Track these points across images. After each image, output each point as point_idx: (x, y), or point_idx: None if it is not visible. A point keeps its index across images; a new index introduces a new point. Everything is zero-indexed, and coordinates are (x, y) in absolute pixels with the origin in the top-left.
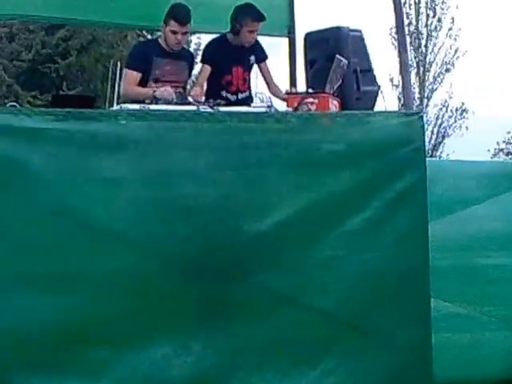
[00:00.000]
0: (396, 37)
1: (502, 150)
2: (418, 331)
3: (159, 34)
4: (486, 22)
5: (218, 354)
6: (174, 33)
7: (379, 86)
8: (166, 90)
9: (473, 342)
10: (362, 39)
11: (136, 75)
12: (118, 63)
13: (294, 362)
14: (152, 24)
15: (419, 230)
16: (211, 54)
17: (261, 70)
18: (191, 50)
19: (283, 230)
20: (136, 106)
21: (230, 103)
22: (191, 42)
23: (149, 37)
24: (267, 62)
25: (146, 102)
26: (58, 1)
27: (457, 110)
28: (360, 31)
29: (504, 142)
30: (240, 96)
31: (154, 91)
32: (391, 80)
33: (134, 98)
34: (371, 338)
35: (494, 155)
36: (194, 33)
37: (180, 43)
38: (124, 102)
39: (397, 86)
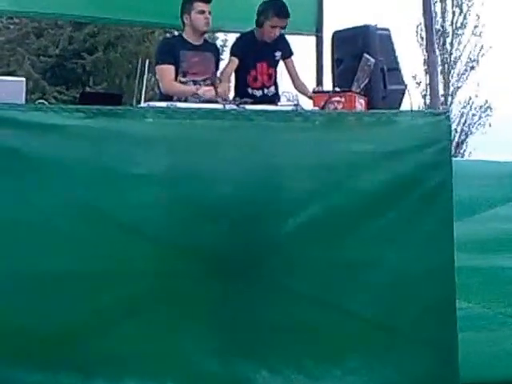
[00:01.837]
0: (422, 35)
1: None
2: (444, 330)
3: None
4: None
5: (241, 352)
6: (202, 12)
7: (406, 85)
8: (210, 90)
9: (494, 341)
10: (390, 38)
11: (171, 68)
12: (147, 61)
13: (317, 360)
14: (178, 22)
15: (445, 230)
16: (239, 47)
17: (286, 66)
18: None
19: (309, 230)
20: (163, 104)
21: (256, 100)
22: (218, 38)
23: (175, 33)
24: (293, 58)
25: (174, 99)
26: None
27: (481, 107)
28: (388, 30)
29: None
30: (265, 91)
31: (197, 89)
32: (414, 77)
33: (178, 95)
34: (397, 337)
35: None
36: (219, 31)
37: (208, 23)
38: (151, 99)
39: (419, 84)
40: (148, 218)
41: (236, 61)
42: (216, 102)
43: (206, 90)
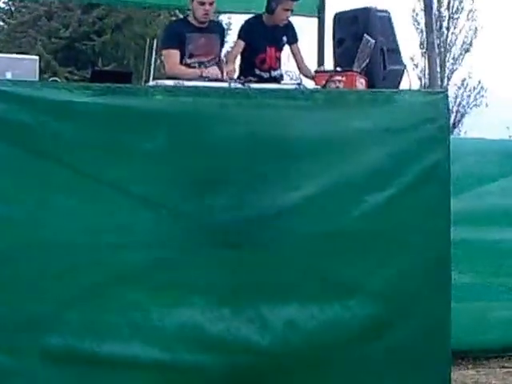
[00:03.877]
0: (417, 19)
1: None
2: (439, 299)
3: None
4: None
5: (248, 322)
6: (202, 4)
7: (405, 66)
8: (214, 70)
9: (487, 311)
10: (390, 20)
11: (176, 53)
12: (154, 41)
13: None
14: (184, 4)
15: (442, 206)
16: (247, 31)
17: (292, 51)
18: None
19: (310, 205)
20: (171, 82)
21: (262, 80)
22: (222, 21)
23: (181, 16)
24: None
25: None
26: None
27: (474, 88)
28: (388, 12)
29: None
30: (273, 74)
31: (202, 71)
32: (412, 59)
33: (180, 77)
34: (394, 306)
35: None
36: (225, 12)
37: (208, 14)
38: (159, 78)
39: (417, 66)
40: (155, 191)
41: (242, 44)
42: (222, 80)
43: (211, 71)
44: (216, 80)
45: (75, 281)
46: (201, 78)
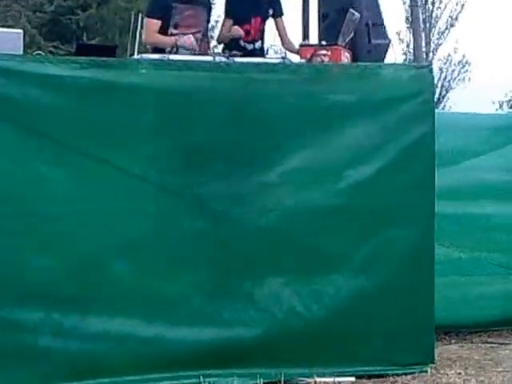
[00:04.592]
0: None
1: (508, 101)
2: (423, 274)
3: None
4: None
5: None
6: None
7: (390, 40)
8: (189, 38)
9: (471, 286)
10: None
11: (155, 23)
12: (140, 14)
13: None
14: None
15: (427, 179)
16: (232, 4)
17: (276, 25)
18: None
19: (294, 177)
20: (156, 56)
21: (246, 52)
22: None
23: None
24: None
25: (167, 51)
26: None
27: (459, 62)
28: None
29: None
30: (256, 45)
31: (176, 40)
32: (398, 34)
33: (156, 45)
34: (377, 280)
35: (500, 107)
36: None
37: None
38: (144, 52)
39: (403, 41)
40: (140, 163)
41: (231, 22)
42: (206, 54)
43: (186, 39)
44: (202, 54)
45: (62, 252)
46: (176, 45)
